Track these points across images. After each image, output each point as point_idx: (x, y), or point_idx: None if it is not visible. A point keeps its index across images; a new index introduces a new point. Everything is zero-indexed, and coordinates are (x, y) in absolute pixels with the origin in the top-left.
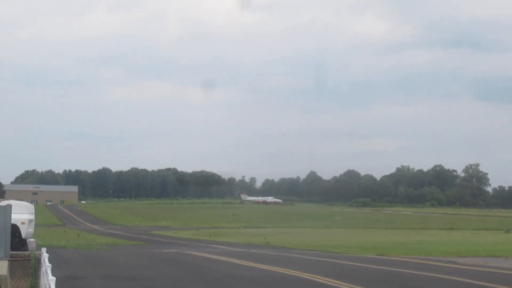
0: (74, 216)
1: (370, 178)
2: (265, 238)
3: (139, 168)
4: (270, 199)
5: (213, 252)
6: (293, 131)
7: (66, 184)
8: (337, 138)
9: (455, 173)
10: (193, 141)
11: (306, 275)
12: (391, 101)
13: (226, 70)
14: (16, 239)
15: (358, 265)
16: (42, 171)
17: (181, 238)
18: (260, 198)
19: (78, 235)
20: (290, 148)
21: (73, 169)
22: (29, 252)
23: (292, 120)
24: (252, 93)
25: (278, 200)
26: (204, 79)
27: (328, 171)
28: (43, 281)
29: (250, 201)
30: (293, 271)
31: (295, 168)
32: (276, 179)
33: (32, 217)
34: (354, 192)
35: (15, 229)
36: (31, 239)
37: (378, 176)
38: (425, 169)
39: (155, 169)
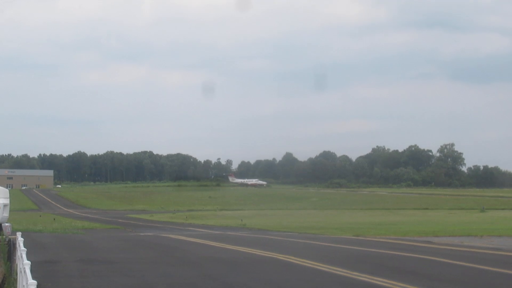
0: (49, 201)
1: (345, 159)
2: (241, 220)
3: (115, 152)
4: (254, 181)
5: (190, 235)
6: (269, 114)
7: (41, 168)
8: (314, 120)
9: (430, 153)
10: (169, 124)
11: (283, 257)
12: (367, 83)
13: (201, 53)
14: None
15: (334, 246)
16: (17, 156)
17: (157, 221)
18: (247, 180)
19: (54, 219)
20: (266, 130)
21: (48, 153)
22: (4, 236)
23: (268, 103)
24: (228, 76)
25: (262, 182)
26: (179, 63)
27: (304, 152)
28: (18, 266)
29: (237, 183)
30: (270, 253)
31: (271, 150)
32: (252, 161)
33: (7, 201)
34: (330, 173)
35: None
36: (6, 224)
37: (353, 157)
38: (401, 150)
39: (131, 153)
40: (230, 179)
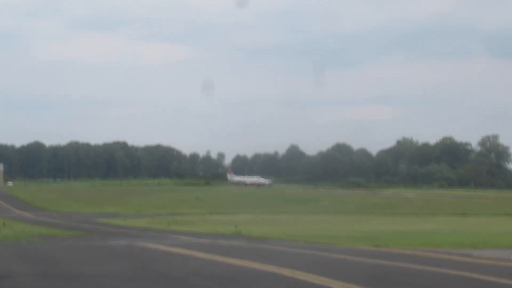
0: None
1: (364, 153)
2: (236, 226)
3: (80, 142)
4: (254, 179)
5: (172, 244)
6: (271, 98)
7: None
8: (325, 106)
9: (469, 147)
10: (147, 109)
11: (286, 272)
12: (389, 60)
13: (185, 23)
14: None
15: (350, 259)
16: None
17: (133, 227)
18: (246, 178)
19: (4, 224)
20: (266, 117)
21: None
22: None
23: (270, 84)
24: (220, 50)
25: (264, 181)
26: (161, 34)
27: (313, 145)
28: None
29: (238, 181)
30: (271, 267)
31: (272, 142)
32: (249, 155)
33: None
34: (345, 170)
35: None
36: None
37: (374, 151)
38: (432, 142)
39: (100, 143)
40: (229, 176)
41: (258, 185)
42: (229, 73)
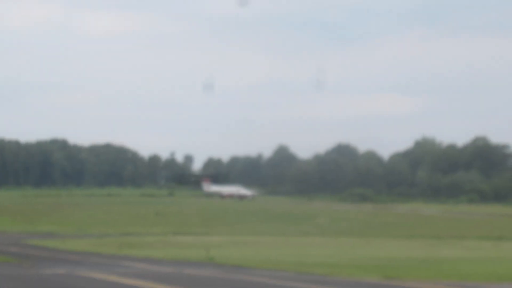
0: None
1: (372, 156)
2: (207, 251)
3: (6, 140)
4: (233, 189)
5: (125, 274)
6: (254, 84)
7: None
8: (322, 95)
9: (508, 151)
10: (93, 98)
11: None
12: (405, 36)
13: None
14: None
15: None
16: None
17: (73, 252)
18: (224, 188)
19: None
20: (248, 110)
21: None
22: None
23: (252, 67)
24: (189, 21)
25: (245, 192)
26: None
27: (308, 146)
28: None
29: (217, 193)
30: None
31: (255, 142)
32: (225, 159)
33: None
34: (348, 179)
35: None
36: None
37: (385, 154)
38: (460, 144)
39: (33, 141)
40: (205, 186)
41: (240, 198)
42: (201, 51)
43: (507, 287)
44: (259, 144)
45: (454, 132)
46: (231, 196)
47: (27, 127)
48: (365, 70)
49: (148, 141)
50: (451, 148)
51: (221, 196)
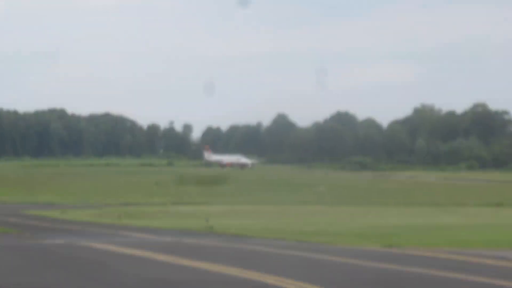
0: None
1: (372, 124)
2: (207, 220)
3: (4, 110)
4: (233, 158)
5: (124, 244)
6: (253, 53)
7: None
8: (321, 63)
9: (507, 117)
10: (91, 66)
11: (270, 279)
12: (405, 4)
13: None
14: None
15: (353, 262)
16: None
17: (73, 222)
18: (225, 157)
19: None
20: (246, 78)
21: None
22: None
23: (249, 36)
24: None
25: (245, 161)
26: None
27: (307, 114)
28: None
29: (218, 162)
30: (252, 274)
31: (255, 111)
32: (224, 128)
33: None
34: (347, 147)
35: None
36: None
37: (385, 122)
38: (460, 111)
39: (31, 111)
40: (206, 155)
41: (241, 166)
42: (198, 18)
43: (506, 254)
44: (258, 112)
45: (454, 99)
46: (231, 165)
47: (25, 97)
48: (364, 37)
49: (146, 110)
50: (450, 115)
51: (221, 165)
